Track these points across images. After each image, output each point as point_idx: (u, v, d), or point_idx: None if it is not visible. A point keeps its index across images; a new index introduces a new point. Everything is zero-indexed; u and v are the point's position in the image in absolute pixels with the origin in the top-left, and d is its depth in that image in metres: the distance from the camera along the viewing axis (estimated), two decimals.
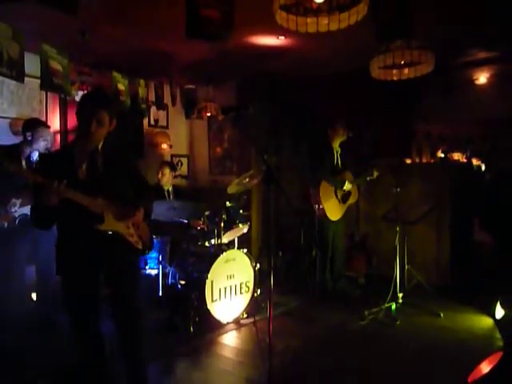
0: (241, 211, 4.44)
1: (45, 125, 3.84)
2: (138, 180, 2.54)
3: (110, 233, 2.28)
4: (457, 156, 10.27)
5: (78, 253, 2.26)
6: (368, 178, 4.74)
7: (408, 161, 6.43)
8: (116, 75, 5.01)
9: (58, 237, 2.32)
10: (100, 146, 2.31)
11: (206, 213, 4.34)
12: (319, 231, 4.76)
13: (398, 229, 4.21)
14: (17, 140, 4.92)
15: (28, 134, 3.61)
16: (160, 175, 4.96)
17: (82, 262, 2.27)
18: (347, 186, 4.62)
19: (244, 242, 4.87)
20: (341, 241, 4.85)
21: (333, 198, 4.58)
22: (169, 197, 4.97)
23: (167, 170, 4.98)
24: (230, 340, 3.72)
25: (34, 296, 4.12)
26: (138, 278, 2.62)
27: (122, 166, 2.45)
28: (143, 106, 5.59)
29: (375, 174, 4.69)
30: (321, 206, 4.51)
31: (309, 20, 2.99)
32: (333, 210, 4.58)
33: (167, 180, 5.00)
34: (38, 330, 3.63)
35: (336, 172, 4.67)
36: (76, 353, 2.41)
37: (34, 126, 3.67)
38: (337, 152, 4.79)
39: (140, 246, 2.47)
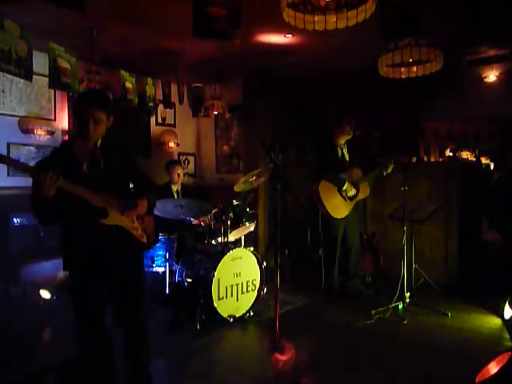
0: (247, 209, 4.43)
1: None
2: (140, 175, 2.54)
3: (114, 227, 2.28)
4: (465, 154, 10.24)
5: (83, 248, 2.27)
6: (384, 173, 4.61)
7: (416, 159, 6.39)
8: (123, 73, 5.03)
9: (62, 232, 2.33)
10: (99, 143, 2.31)
11: (213, 211, 4.34)
12: (325, 229, 4.74)
13: (405, 228, 4.18)
14: (25, 138, 5.03)
15: None
16: (176, 177, 4.84)
17: (87, 256, 2.28)
18: (348, 187, 4.56)
19: (251, 240, 4.87)
20: (355, 239, 4.80)
21: (336, 196, 4.53)
22: (177, 196, 4.91)
23: (180, 170, 4.90)
24: (237, 338, 3.72)
25: (42, 293, 4.17)
26: (142, 275, 2.56)
27: (123, 162, 2.44)
28: (150, 104, 5.60)
29: (391, 166, 4.56)
30: (322, 205, 4.48)
31: (316, 18, 2.98)
32: (336, 208, 4.53)
33: (180, 179, 4.92)
34: (46, 323, 3.67)
35: (343, 169, 4.63)
36: (80, 346, 2.41)
37: None
38: (342, 149, 4.75)
39: (145, 240, 2.46)
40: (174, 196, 4.85)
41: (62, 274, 3.85)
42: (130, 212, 2.35)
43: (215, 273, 3.78)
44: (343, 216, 4.58)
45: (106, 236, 2.27)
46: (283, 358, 3.02)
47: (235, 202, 4.33)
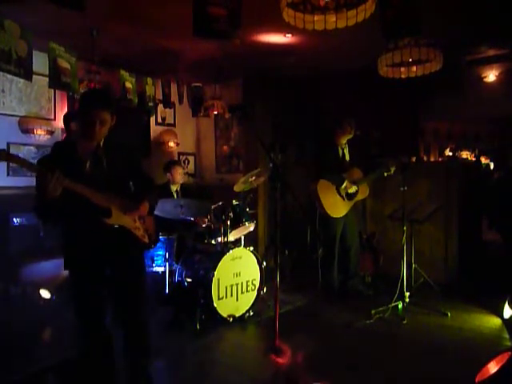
0: (247, 209, 4.44)
1: None
2: (141, 175, 2.54)
3: (116, 226, 2.28)
4: (465, 154, 10.23)
5: (85, 247, 2.27)
6: (385, 174, 4.58)
7: (416, 159, 6.38)
8: (123, 73, 5.03)
9: (64, 231, 2.33)
10: (102, 143, 2.31)
11: (212, 208, 4.34)
12: (323, 228, 4.74)
13: (404, 228, 4.18)
14: (25, 138, 5.03)
15: None
16: (179, 177, 4.84)
17: (88, 256, 2.28)
18: (347, 185, 4.55)
19: (251, 240, 4.87)
20: (354, 239, 4.80)
21: (334, 195, 4.52)
22: (177, 196, 4.91)
23: (180, 170, 4.90)
24: (236, 338, 3.72)
25: (42, 292, 4.16)
26: (143, 275, 2.56)
27: (125, 162, 2.44)
28: (150, 104, 5.60)
29: (392, 169, 4.54)
30: (320, 204, 4.48)
31: (316, 18, 2.98)
32: (334, 207, 4.52)
33: (180, 179, 4.93)
34: (46, 323, 3.68)
35: (343, 169, 4.63)
36: (80, 346, 2.41)
37: None
38: (342, 149, 4.75)
39: (146, 240, 2.47)
40: (173, 196, 4.84)
41: (62, 273, 3.85)
42: (133, 212, 2.35)
43: (215, 272, 3.78)
44: (341, 215, 4.57)
45: (107, 235, 2.27)
46: (282, 358, 3.02)
47: (235, 202, 4.34)
